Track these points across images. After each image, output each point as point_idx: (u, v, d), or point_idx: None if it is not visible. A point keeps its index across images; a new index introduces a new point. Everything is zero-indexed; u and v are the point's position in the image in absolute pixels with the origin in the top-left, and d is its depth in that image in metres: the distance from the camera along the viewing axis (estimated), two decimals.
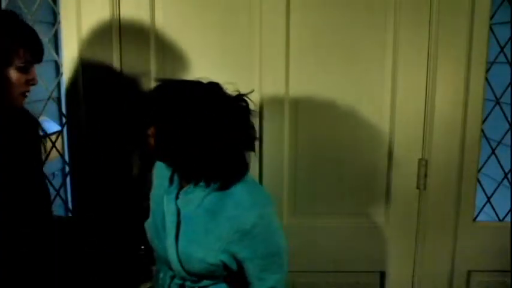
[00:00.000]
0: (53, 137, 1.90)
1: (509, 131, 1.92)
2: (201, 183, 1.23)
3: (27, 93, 1.32)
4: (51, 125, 2.28)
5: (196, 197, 1.24)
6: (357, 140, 1.82)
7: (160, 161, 1.31)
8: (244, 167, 1.25)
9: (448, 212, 1.87)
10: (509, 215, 1.95)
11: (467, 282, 1.93)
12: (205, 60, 1.74)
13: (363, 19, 1.75)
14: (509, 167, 1.95)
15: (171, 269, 1.29)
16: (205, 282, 1.28)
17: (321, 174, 1.83)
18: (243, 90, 1.22)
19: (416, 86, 1.79)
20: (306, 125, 1.80)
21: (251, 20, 1.74)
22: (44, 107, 1.85)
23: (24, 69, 1.27)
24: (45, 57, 1.33)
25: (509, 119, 1.92)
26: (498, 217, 1.96)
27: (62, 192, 1.94)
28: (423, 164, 1.83)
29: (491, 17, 1.79)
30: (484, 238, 1.90)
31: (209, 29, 1.73)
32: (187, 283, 1.29)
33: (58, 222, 1.50)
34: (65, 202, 1.98)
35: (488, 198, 1.96)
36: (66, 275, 1.52)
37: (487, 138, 1.90)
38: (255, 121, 1.26)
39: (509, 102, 1.90)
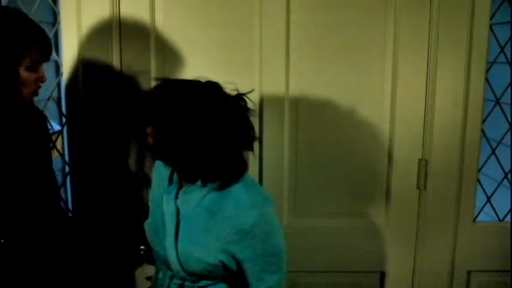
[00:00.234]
0: (53, 137, 1.90)
1: (509, 131, 1.92)
2: (200, 183, 1.23)
3: (37, 91, 1.34)
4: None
5: (196, 197, 1.24)
6: (357, 140, 1.82)
7: (159, 160, 1.32)
8: (243, 167, 1.25)
9: (448, 212, 1.86)
10: (509, 215, 1.94)
11: (467, 282, 1.93)
12: (205, 59, 1.74)
13: (363, 19, 1.75)
14: (509, 167, 1.94)
15: (170, 269, 1.29)
16: (204, 282, 1.28)
17: (321, 174, 1.83)
18: (242, 90, 1.22)
19: (417, 86, 1.79)
20: (306, 124, 1.80)
21: (251, 20, 1.73)
22: (44, 107, 1.85)
23: (34, 68, 1.30)
24: None
25: (509, 119, 1.92)
26: (498, 217, 1.96)
27: (62, 192, 1.94)
28: (423, 164, 1.83)
29: (491, 17, 1.79)
30: (484, 238, 1.89)
31: (209, 28, 1.73)
32: (187, 283, 1.29)
33: (57, 222, 1.51)
34: (65, 202, 1.98)
35: (488, 198, 1.95)
36: (66, 275, 1.52)
37: (487, 138, 1.90)
38: (255, 121, 1.26)
39: (509, 102, 1.90)
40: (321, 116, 1.80)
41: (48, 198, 1.45)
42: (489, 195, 1.95)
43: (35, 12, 1.76)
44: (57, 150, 1.91)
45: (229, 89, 1.21)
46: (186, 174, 1.26)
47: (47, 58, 1.34)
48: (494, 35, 1.84)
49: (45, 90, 1.81)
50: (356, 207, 1.87)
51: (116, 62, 1.72)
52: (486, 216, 1.98)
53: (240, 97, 1.21)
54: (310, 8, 1.74)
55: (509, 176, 1.95)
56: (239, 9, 1.73)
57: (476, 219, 1.91)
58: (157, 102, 1.17)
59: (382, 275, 1.92)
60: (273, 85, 1.77)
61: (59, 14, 1.77)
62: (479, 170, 1.88)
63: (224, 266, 1.24)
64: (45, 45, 1.31)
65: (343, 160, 1.82)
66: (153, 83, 1.24)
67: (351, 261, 1.88)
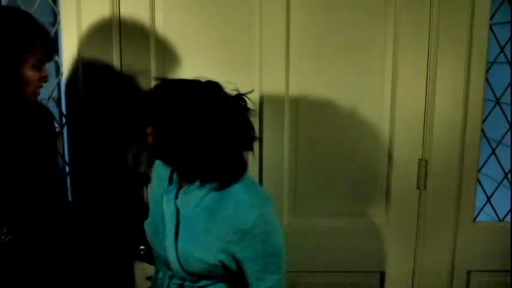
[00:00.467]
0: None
1: (509, 131, 1.92)
2: (199, 183, 1.23)
3: (39, 90, 1.35)
4: None
5: (196, 197, 1.24)
6: (357, 140, 1.82)
7: (159, 159, 1.32)
8: (243, 167, 1.25)
9: (448, 212, 1.86)
10: (509, 215, 1.94)
11: (467, 282, 1.93)
12: (205, 59, 1.74)
13: (363, 19, 1.75)
14: (509, 167, 1.94)
15: (170, 269, 1.29)
16: (204, 282, 1.28)
17: (321, 174, 1.83)
18: (242, 90, 1.22)
19: (417, 86, 1.79)
20: (306, 124, 1.80)
21: (251, 20, 1.73)
22: None
23: (38, 67, 1.30)
24: None
25: (509, 119, 1.92)
26: (498, 217, 1.96)
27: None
28: (423, 164, 1.83)
29: (491, 17, 1.79)
30: (484, 238, 1.89)
31: (209, 28, 1.73)
32: (186, 283, 1.29)
33: (60, 222, 1.51)
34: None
35: (488, 198, 1.95)
36: (66, 275, 1.52)
37: (487, 138, 1.90)
38: (255, 121, 1.26)
39: (509, 102, 1.90)
40: (321, 116, 1.80)
41: (51, 198, 1.45)
42: (489, 195, 1.95)
43: (35, 12, 1.75)
44: (57, 150, 1.92)
45: (229, 89, 1.21)
46: (185, 174, 1.26)
47: (51, 57, 1.35)
48: (494, 35, 1.84)
49: (45, 90, 1.81)
50: (356, 207, 1.87)
51: (116, 62, 1.72)
52: (486, 216, 1.98)
53: (240, 97, 1.21)
54: (310, 8, 1.74)
55: (509, 176, 1.95)
56: (239, 9, 1.73)
57: (476, 219, 1.91)
58: (157, 102, 1.17)
59: (382, 275, 1.92)
60: (273, 85, 1.77)
61: (59, 14, 1.77)
62: (479, 170, 1.88)
63: (224, 266, 1.24)
64: (49, 44, 1.32)
65: (343, 160, 1.82)
66: (153, 83, 1.24)
67: (351, 261, 1.88)
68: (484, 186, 1.92)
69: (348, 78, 1.78)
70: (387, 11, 1.75)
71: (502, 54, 1.90)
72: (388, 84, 1.79)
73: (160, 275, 1.37)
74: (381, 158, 1.83)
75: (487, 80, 1.83)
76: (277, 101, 1.78)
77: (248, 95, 1.22)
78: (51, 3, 1.81)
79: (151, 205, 1.39)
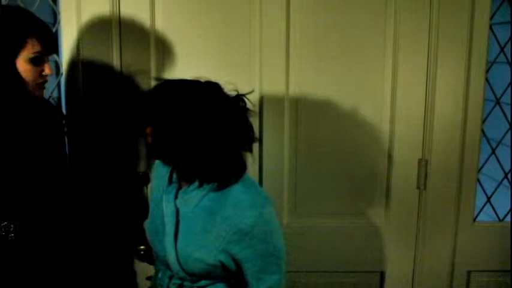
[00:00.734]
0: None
1: (509, 131, 1.92)
2: (199, 183, 1.23)
3: (43, 86, 1.34)
4: None
5: (195, 197, 1.24)
6: (357, 140, 1.82)
7: (159, 159, 1.32)
8: (242, 167, 1.25)
9: (448, 212, 1.86)
10: (509, 215, 1.94)
11: (467, 282, 1.93)
12: (205, 59, 1.74)
13: (363, 19, 1.75)
14: (509, 167, 1.94)
15: (169, 269, 1.29)
16: (203, 282, 1.28)
17: (321, 174, 1.83)
18: (242, 90, 1.22)
19: (416, 86, 1.79)
20: (306, 124, 1.80)
21: (251, 20, 1.73)
22: None
23: (36, 61, 1.29)
24: None
25: (509, 119, 1.92)
26: (498, 217, 1.96)
27: None
28: (423, 164, 1.83)
29: (491, 17, 1.79)
30: (484, 238, 1.89)
31: (209, 28, 1.73)
32: (186, 283, 1.29)
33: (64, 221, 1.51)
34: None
35: (488, 198, 1.95)
36: (65, 275, 1.52)
37: (487, 138, 1.90)
38: (255, 121, 1.26)
39: (509, 102, 1.90)
40: (321, 116, 1.80)
41: (57, 194, 1.44)
42: (489, 195, 1.95)
43: (35, 12, 1.74)
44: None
45: (229, 89, 1.21)
46: (185, 174, 1.26)
47: (49, 50, 1.33)
48: (494, 35, 1.84)
49: (45, 90, 1.81)
50: (356, 207, 1.87)
51: (115, 62, 1.73)
52: (486, 216, 1.98)
53: (239, 98, 1.21)
54: (310, 8, 1.74)
55: (509, 176, 1.95)
56: (239, 9, 1.73)
57: (476, 219, 1.91)
58: (157, 102, 1.17)
59: (382, 275, 1.92)
60: (273, 85, 1.77)
61: (59, 14, 1.77)
62: (479, 170, 1.88)
63: (223, 266, 1.24)
64: (46, 37, 1.31)
65: (343, 160, 1.82)
66: (153, 83, 1.24)
67: (351, 261, 1.88)
68: (484, 186, 1.92)
69: (348, 78, 1.78)
70: (387, 11, 1.75)
71: (502, 54, 1.90)
72: (388, 84, 1.79)
73: (160, 275, 1.37)
74: (381, 158, 1.83)
75: (487, 80, 1.83)
76: (277, 101, 1.78)
77: (248, 95, 1.22)
78: (51, 3, 1.81)
79: (151, 205, 1.39)
